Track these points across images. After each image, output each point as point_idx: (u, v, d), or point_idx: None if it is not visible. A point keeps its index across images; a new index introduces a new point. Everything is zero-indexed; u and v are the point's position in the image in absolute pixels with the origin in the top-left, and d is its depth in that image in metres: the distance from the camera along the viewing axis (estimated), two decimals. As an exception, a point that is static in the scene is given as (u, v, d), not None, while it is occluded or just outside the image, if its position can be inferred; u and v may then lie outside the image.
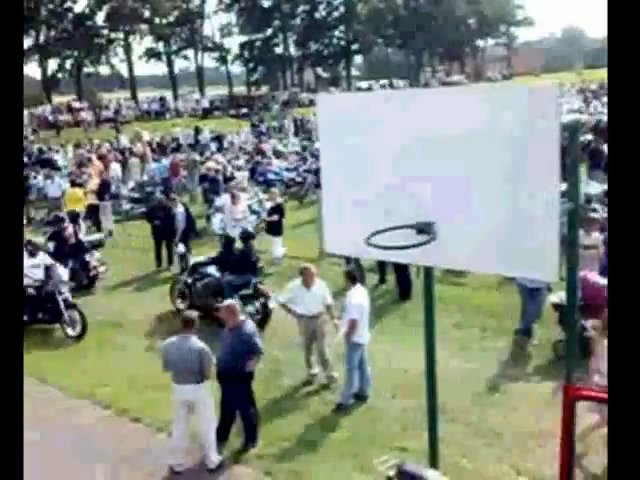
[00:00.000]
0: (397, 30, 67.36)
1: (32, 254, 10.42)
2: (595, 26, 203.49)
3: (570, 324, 4.38)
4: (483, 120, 3.56)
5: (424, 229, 3.79)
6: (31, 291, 10.19)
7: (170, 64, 60.43)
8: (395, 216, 3.85)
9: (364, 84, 63.69)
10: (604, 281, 8.32)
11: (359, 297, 7.57)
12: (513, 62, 78.25)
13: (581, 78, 54.23)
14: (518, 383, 7.93)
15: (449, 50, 73.31)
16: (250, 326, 6.97)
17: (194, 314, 6.78)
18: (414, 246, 3.63)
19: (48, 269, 10.26)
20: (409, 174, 3.86)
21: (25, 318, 9.84)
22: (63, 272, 10.56)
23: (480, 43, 77.74)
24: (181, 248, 12.41)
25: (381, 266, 11.49)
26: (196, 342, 6.55)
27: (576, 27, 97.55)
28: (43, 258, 10.54)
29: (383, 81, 61.61)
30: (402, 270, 10.73)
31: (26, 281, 9.89)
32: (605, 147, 18.96)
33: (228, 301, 7.35)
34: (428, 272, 4.82)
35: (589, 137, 20.50)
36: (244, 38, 64.84)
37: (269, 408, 7.69)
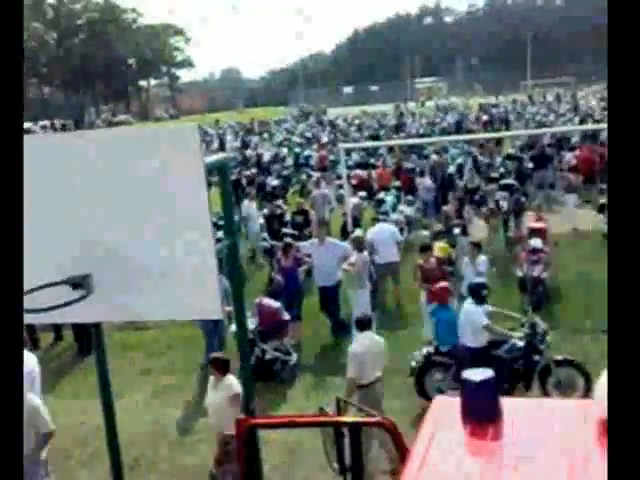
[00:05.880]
0: (52, 69, 64.15)
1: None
2: (250, 68, 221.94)
3: (243, 352, 4.54)
4: (131, 165, 3.46)
5: (80, 283, 3.53)
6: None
7: None
8: (47, 272, 3.51)
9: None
10: (277, 304, 8.93)
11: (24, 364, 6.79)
12: (179, 101, 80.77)
13: (244, 116, 58.31)
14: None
15: (113, 90, 72.48)
16: None
17: None
18: (67, 304, 3.33)
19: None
20: (58, 226, 3.57)
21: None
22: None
23: (143, 83, 78.48)
24: None
25: (55, 323, 10.60)
26: None
27: (233, 68, 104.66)
28: None
29: (43, 122, 57.74)
30: (80, 324, 10.02)
31: None
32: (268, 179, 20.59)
33: None
34: (97, 325, 4.57)
35: (254, 171, 22.13)
36: None
37: None
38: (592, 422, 2.54)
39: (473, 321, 7.33)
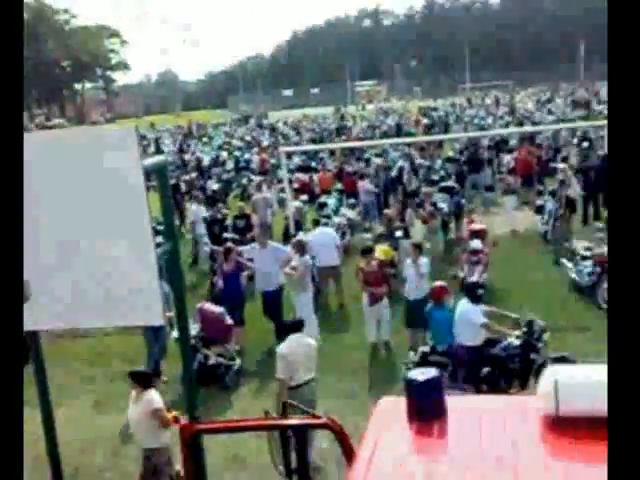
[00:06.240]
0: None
1: None
2: (188, 70, 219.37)
3: (185, 358, 4.48)
4: (68, 168, 3.36)
5: (15, 290, 3.40)
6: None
7: None
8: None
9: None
10: (219, 309, 8.82)
11: None
12: (115, 105, 78.95)
13: (181, 119, 57.48)
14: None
15: (46, 93, 70.28)
16: None
17: None
18: (2, 312, 3.21)
19: None
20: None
21: None
22: None
23: (78, 86, 76.38)
24: None
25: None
26: None
27: (170, 71, 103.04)
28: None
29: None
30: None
31: None
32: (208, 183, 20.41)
33: None
34: (34, 334, 4.43)
35: (193, 175, 21.89)
36: None
37: None
38: (536, 417, 2.61)
39: (470, 320, 7.31)
